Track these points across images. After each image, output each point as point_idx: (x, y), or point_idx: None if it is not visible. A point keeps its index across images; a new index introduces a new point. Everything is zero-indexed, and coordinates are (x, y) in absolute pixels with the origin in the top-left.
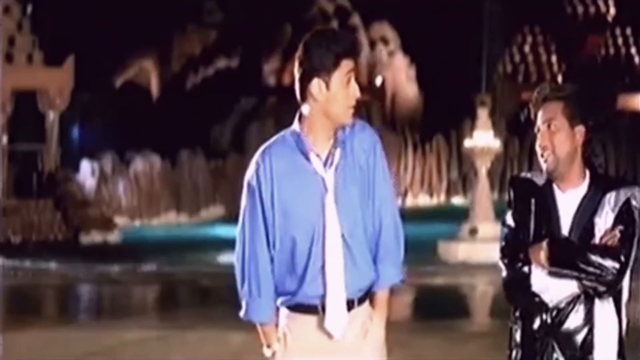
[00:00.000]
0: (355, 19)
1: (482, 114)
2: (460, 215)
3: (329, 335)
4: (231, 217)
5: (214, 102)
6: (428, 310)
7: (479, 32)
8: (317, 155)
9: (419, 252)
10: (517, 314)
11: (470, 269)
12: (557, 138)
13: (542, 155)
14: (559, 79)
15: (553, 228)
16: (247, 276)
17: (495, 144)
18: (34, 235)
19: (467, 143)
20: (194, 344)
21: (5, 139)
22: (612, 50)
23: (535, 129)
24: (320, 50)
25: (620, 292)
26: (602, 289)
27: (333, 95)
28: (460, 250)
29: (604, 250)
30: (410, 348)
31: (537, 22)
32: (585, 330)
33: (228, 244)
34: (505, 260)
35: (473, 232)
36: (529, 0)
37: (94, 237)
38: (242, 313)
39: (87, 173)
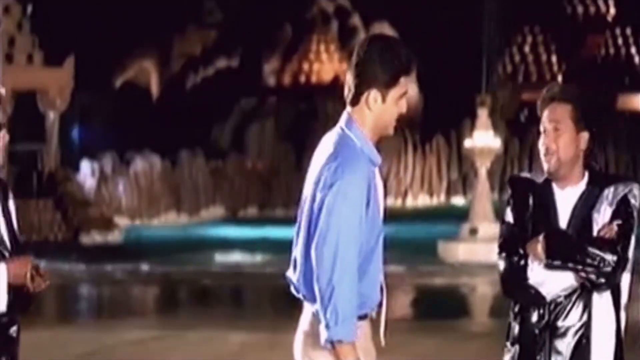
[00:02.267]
0: (355, 19)
1: (482, 114)
2: (460, 215)
3: (373, 343)
4: (233, 217)
5: (214, 102)
6: (428, 310)
7: (479, 32)
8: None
9: (419, 252)
10: (516, 309)
11: (470, 269)
12: (562, 140)
13: (545, 155)
14: (559, 79)
15: (551, 223)
16: (344, 294)
17: (495, 144)
18: (34, 235)
19: (467, 143)
20: (194, 344)
21: None
22: (612, 50)
23: (541, 127)
24: (383, 64)
25: (619, 290)
26: (600, 280)
27: (386, 108)
28: (460, 250)
29: (602, 243)
30: (410, 348)
31: (537, 22)
32: (582, 326)
33: (228, 244)
34: (503, 255)
35: (473, 232)
36: (529, 0)
37: (94, 237)
38: (333, 335)
39: (87, 173)
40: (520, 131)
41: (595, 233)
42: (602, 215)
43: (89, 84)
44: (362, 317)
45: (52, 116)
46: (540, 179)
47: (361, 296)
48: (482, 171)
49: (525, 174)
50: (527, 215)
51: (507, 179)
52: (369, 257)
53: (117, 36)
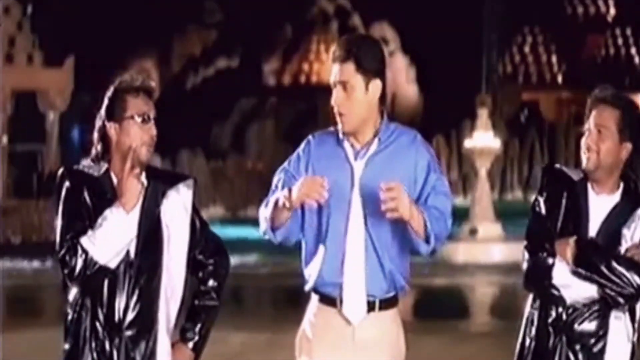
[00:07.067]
0: (355, 19)
1: (482, 114)
2: (460, 215)
3: (347, 330)
4: (233, 217)
5: (214, 102)
6: (428, 310)
7: (479, 32)
8: (352, 145)
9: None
10: (536, 305)
11: (470, 269)
12: (604, 144)
13: (584, 153)
14: (559, 79)
15: (581, 227)
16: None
17: (495, 144)
18: (34, 235)
19: (467, 143)
20: None
21: (5, 139)
22: (612, 50)
23: (585, 126)
24: None
25: (635, 309)
26: (620, 300)
27: None
28: (460, 251)
29: (630, 263)
30: (410, 348)
31: (537, 22)
32: (598, 335)
33: (228, 244)
34: (530, 248)
35: (473, 232)
36: (529, 0)
37: None
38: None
39: None
40: (520, 131)
41: (622, 249)
42: (631, 233)
43: (89, 84)
44: (320, 299)
45: (52, 116)
46: (576, 177)
47: (312, 268)
48: (482, 171)
49: (562, 167)
50: (559, 210)
51: (542, 168)
52: (323, 231)
53: (117, 36)
